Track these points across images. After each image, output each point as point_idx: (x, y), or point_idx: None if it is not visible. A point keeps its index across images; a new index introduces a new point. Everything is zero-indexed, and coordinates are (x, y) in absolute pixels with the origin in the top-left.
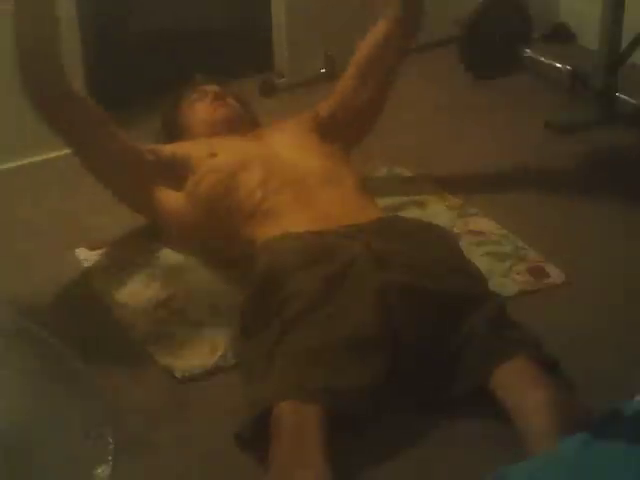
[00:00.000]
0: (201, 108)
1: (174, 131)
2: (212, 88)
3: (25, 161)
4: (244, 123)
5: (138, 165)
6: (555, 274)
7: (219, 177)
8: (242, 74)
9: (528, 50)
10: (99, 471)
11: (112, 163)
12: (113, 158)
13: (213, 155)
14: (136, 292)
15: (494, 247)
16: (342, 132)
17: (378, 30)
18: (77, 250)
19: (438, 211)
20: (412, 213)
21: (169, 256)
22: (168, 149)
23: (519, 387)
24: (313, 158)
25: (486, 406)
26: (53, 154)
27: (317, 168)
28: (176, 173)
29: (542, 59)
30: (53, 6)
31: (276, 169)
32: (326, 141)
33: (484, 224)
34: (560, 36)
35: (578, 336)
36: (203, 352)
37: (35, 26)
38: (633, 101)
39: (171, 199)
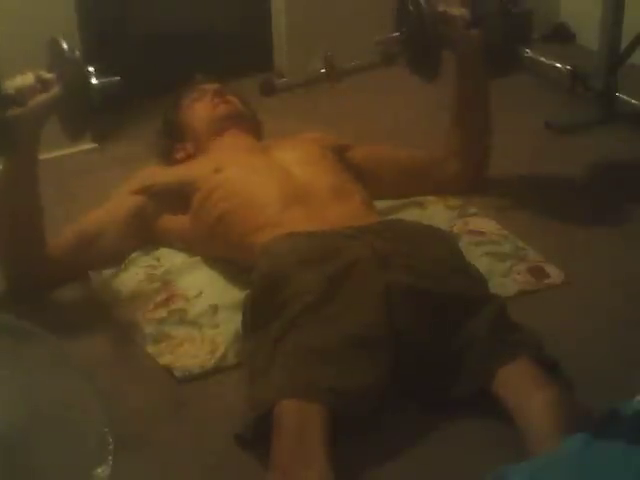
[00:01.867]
0: (201, 106)
1: (175, 131)
2: (212, 86)
3: None
4: (245, 119)
5: (135, 221)
6: (555, 274)
7: (226, 192)
8: (242, 74)
9: (528, 50)
10: (99, 471)
11: (119, 248)
12: (117, 246)
13: (218, 170)
14: (136, 292)
15: (494, 247)
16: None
17: (432, 161)
18: None
19: (438, 211)
20: (412, 213)
21: (169, 256)
22: (161, 179)
23: (522, 388)
24: (321, 174)
25: (486, 406)
26: (52, 154)
27: (325, 184)
28: (179, 196)
29: (542, 59)
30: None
31: (283, 184)
32: (338, 160)
33: (484, 224)
34: (560, 36)
35: (578, 336)
36: (203, 352)
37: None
38: (633, 101)
39: (175, 222)
